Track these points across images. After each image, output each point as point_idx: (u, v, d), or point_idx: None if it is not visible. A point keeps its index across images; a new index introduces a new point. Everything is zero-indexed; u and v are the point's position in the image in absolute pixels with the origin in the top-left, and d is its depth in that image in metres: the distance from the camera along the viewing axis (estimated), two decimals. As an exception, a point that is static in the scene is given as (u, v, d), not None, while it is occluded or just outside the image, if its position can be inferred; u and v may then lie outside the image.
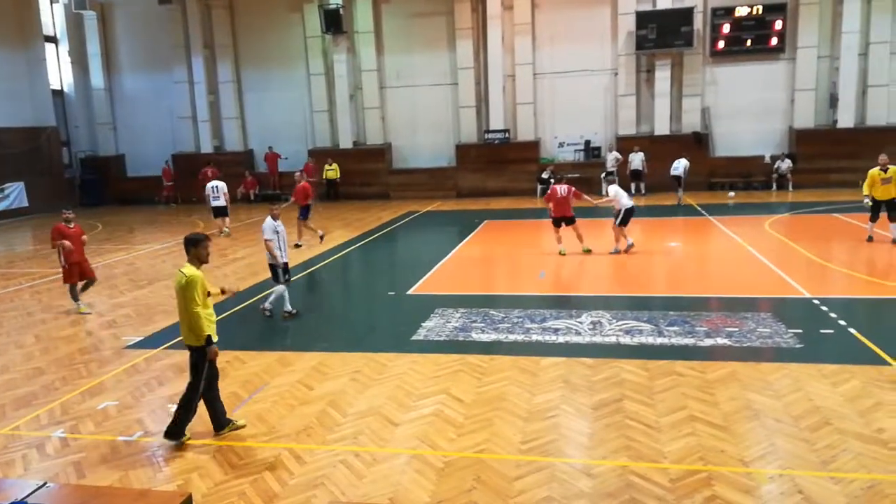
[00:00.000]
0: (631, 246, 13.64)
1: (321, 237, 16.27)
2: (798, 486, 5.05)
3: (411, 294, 11.47)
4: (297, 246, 15.50)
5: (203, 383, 6.14)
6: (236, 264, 14.51)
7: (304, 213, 16.09)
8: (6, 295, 12.77)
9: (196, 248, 6.13)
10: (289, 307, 10.19)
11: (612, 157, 23.20)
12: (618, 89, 24.05)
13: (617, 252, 13.60)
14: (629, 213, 13.45)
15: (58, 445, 6.34)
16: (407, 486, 5.33)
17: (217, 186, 17.92)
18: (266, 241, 10.01)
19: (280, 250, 10.05)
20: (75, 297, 11.22)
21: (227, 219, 18.43)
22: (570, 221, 13.75)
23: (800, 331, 8.47)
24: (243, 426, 6.42)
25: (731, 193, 21.51)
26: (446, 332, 9.10)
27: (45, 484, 3.67)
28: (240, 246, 16.65)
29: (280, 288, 10.18)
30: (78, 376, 8.16)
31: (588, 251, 13.63)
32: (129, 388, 7.68)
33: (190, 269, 6.02)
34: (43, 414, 7.07)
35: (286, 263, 10.23)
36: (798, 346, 8.01)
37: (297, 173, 17.40)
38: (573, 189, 13.88)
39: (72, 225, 10.96)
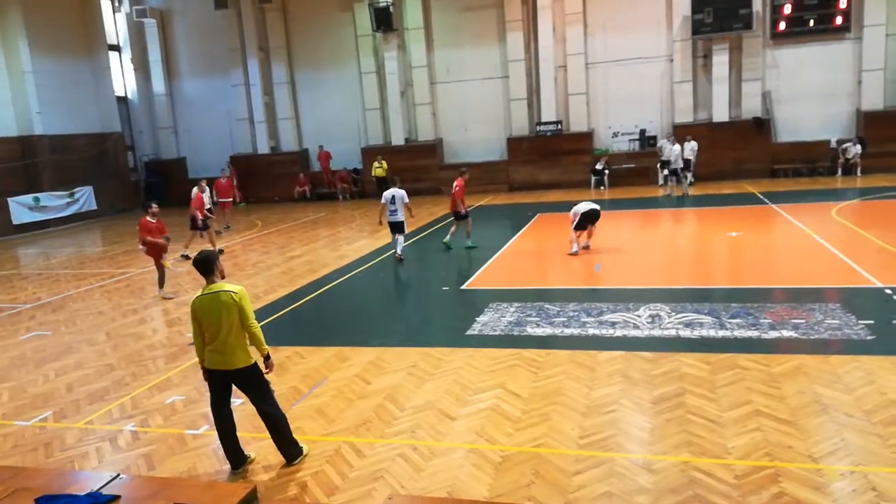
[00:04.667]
0: (586, 247, 13.33)
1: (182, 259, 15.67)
2: (871, 483, 4.85)
3: (465, 289, 11.48)
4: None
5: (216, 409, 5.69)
6: (294, 261, 14.82)
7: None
8: (78, 295, 13.35)
9: (217, 263, 5.69)
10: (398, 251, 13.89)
11: (672, 147, 22.64)
12: (674, 76, 23.48)
13: (583, 248, 13.26)
14: (585, 218, 12.90)
15: (129, 439, 6.60)
16: (465, 479, 5.34)
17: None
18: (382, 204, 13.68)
19: (391, 213, 13.51)
20: None
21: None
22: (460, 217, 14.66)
23: (871, 322, 8.12)
24: (254, 459, 5.96)
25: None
26: (501, 326, 9.08)
27: (118, 475, 3.82)
28: (297, 244, 16.98)
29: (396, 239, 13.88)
30: (147, 372, 8.47)
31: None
32: (194, 383, 7.92)
33: (233, 285, 5.59)
34: (115, 408, 7.38)
35: (390, 223, 13.71)
36: (869, 337, 7.68)
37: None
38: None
39: None
